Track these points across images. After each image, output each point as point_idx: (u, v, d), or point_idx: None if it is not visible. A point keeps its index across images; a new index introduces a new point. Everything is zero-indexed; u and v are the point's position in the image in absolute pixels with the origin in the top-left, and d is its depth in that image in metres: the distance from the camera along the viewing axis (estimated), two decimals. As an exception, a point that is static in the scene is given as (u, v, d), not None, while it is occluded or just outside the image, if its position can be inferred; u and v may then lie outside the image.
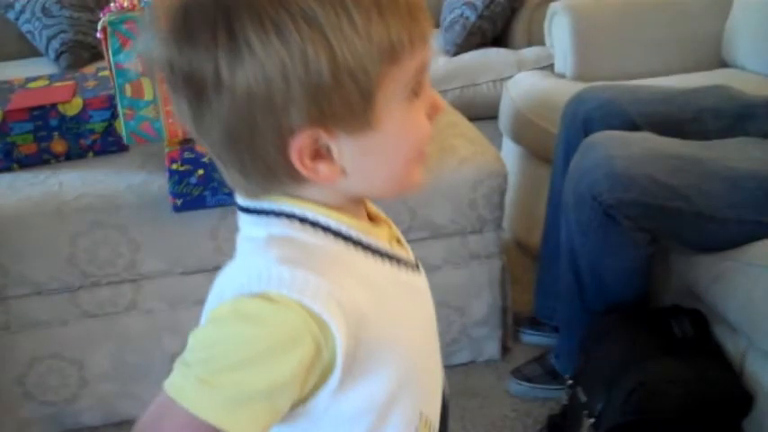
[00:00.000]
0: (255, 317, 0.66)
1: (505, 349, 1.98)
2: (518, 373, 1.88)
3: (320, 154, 0.67)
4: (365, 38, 0.63)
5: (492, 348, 1.97)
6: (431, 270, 1.86)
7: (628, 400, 1.46)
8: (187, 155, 1.64)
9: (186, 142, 1.65)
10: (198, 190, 1.65)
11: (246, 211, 0.74)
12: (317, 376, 0.68)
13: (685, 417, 1.46)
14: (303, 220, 0.71)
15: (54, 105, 1.81)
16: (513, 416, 1.79)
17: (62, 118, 1.83)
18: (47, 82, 1.97)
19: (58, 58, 2.78)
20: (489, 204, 1.85)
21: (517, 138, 2.38)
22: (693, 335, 1.57)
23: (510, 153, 2.45)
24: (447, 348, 1.94)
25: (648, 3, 2.50)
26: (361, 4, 0.63)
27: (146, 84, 1.63)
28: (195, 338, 0.68)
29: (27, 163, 1.84)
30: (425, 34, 0.68)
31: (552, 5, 2.51)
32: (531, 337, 2.02)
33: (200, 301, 1.87)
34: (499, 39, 2.86)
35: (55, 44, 2.80)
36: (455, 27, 2.82)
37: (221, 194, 1.64)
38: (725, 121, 1.76)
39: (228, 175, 0.72)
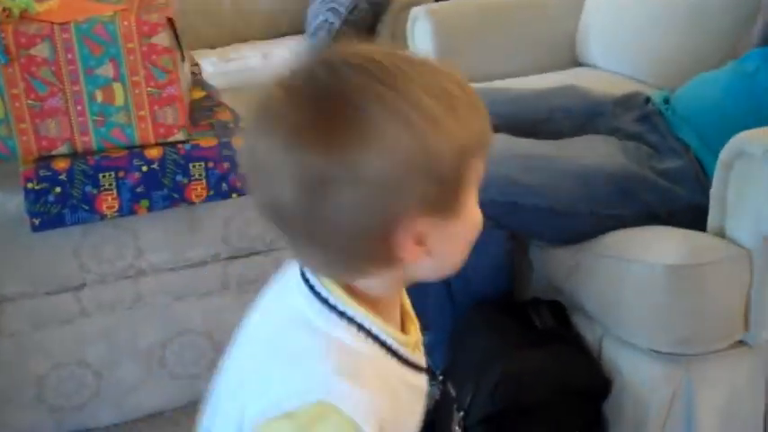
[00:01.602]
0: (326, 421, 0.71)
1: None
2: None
3: (420, 239, 0.71)
4: (468, 131, 0.70)
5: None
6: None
7: (494, 391, 1.51)
8: (43, 173, 1.60)
9: (42, 159, 1.62)
10: (56, 208, 1.61)
11: (316, 295, 0.76)
12: None
13: (549, 404, 1.52)
14: (360, 328, 0.75)
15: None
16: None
17: None
18: None
19: None
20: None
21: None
22: (554, 325, 1.64)
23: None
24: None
25: (506, 6, 2.58)
26: (462, 101, 0.70)
27: (117, 89, 1.59)
28: None
29: None
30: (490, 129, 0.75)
31: (414, 10, 2.57)
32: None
33: (66, 321, 1.84)
34: (366, 37, 2.90)
35: None
36: (320, 33, 2.84)
37: (81, 212, 1.61)
38: (575, 119, 1.84)
39: (302, 249, 0.74)
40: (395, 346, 0.77)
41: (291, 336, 0.77)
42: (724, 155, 1.46)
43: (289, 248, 0.75)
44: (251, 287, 1.79)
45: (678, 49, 2.19)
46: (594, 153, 1.68)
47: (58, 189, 1.61)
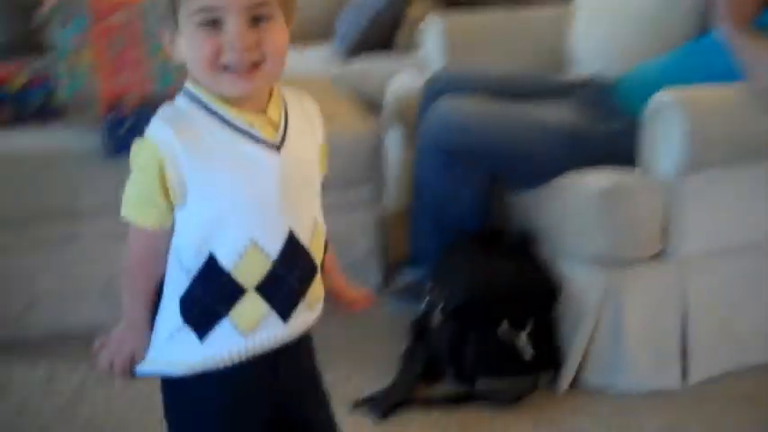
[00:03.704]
0: (138, 148, 1.08)
1: (385, 282, 2.43)
2: (394, 296, 2.33)
3: (170, 41, 1.09)
4: None
5: (374, 279, 2.42)
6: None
7: (466, 287, 1.93)
8: (116, 112, 2.08)
9: (116, 102, 2.09)
10: (127, 139, 2.07)
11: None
12: (169, 189, 1.06)
13: (508, 302, 1.93)
14: (193, 98, 1.09)
15: (2, 83, 2.25)
16: (391, 324, 2.23)
17: (7, 93, 2.26)
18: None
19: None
20: (367, 162, 2.33)
21: (398, 122, 2.85)
22: (518, 246, 2.06)
23: (394, 138, 2.93)
24: (335, 279, 2.38)
25: (503, 19, 3.02)
26: None
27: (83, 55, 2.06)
28: None
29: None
30: None
31: (428, 17, 3.02)
32: (406, 274, 2.46)
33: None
34: (386, 45, 3.37)
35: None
36: (347, 37, 3.32)
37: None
38: (550, 94, 2.27)
39: None
40: (222, 114, 1.07)
41: None
42: (649, 107, 1.89)
43: None
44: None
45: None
46: (555, 114, 2.11)
47: (128, 124, 2.07)
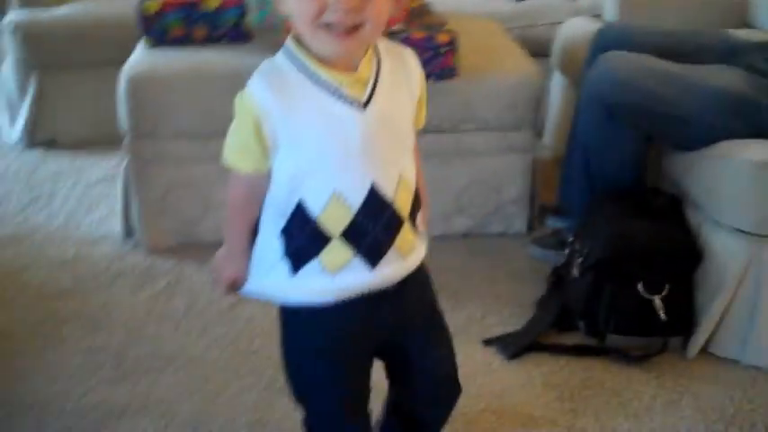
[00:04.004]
0: (238, 101, 1.19)
1: (531, 227, 2.50)
2: (537, 242, 2.40)
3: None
4: None
5: (520, 224, 2.50)
6: (475, 155, 2.39)
7: (608, 243, 1.97)
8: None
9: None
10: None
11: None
12: (264, 140, 1.17)
13: (649, 260, 1.96)
14: (292, 57, 1.18)
15: (198, 1, 2.39)
16: (531, 269, 2.32)
17: (204, 11, 2.41)
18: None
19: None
20: (527, 107, 2.37)
21: (563, 70, 2.87)
22: (667, 208, 2.07)
23: (557, 85, 2.95)
24: (483, 219, 2.47)
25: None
26: None
27: None
28: None
29: (175, 43, 2.42)
30: None
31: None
32: (552, 222, 2.52)
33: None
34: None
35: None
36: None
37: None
38: (717, 55, 2.23)
39: None
40: (314, 72, 1.15)
41: None
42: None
43: None
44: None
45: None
46: (721, 78, 2.07)
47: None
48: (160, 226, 2.38)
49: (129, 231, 2.44)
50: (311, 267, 1.22)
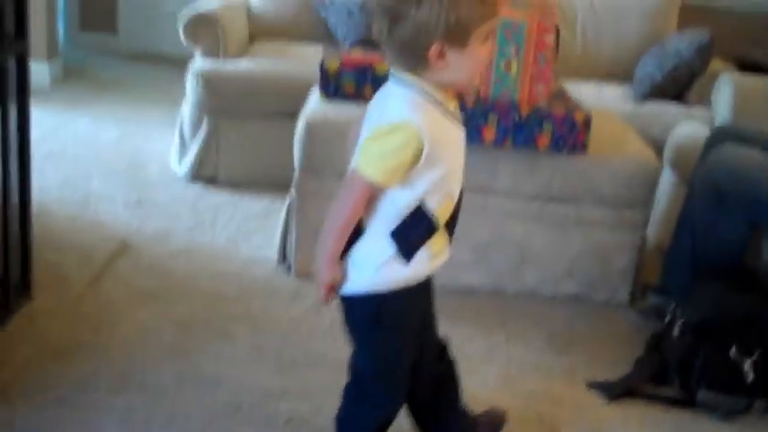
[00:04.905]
0: (397, 129, 1.47)
1: (632, 299, 2.79)
2: (639, 311, 2.68)
3: (442, 55, 1.45)
4: (471, 9, 1.43)
5: (623, 295, 2.78)
6: (590, 225, 2.68)
7: (709, 306, 2.26)
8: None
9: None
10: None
11: (397, 79, 1.53)
12: (417, 161, 1.48)
13: (743, 327, 2.22)
14: (422, 92, 1.49)
15: (371, 65, 2.79)
16: (632, 333, 2.60)
17: (376, 75, 2.80)
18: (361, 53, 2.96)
19: (350, 47, 3.81)
20: (643, 188, 2.69)
21: (674, 166, 3.17)
22: (765, 284, 2.35)
23: (666, 182, 3.25)
24: (590, 286, 2.77)
25: None
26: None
27: (514, 64, 2.52)
28: (366, 142, 1.52)
29: (346, 98, 2.80)
30: (496, 13, 1.47)
31: (721, 76, 3.31)
32: (654, 298, 2.79)
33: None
34: (678, 96, 3.68)
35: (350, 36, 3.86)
36: (644, 82, 3.66)
37: (473, 136, 2.52)
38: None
39: (389, 59, 1.51)
40: (442, 101, 1.50)
41: (386, 102, 1.52)
42: None
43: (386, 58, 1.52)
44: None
45: None
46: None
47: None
48: (311, 254, 2.73)
49: (283, 257, 2.81)
50: (420, 255, 1.57)
